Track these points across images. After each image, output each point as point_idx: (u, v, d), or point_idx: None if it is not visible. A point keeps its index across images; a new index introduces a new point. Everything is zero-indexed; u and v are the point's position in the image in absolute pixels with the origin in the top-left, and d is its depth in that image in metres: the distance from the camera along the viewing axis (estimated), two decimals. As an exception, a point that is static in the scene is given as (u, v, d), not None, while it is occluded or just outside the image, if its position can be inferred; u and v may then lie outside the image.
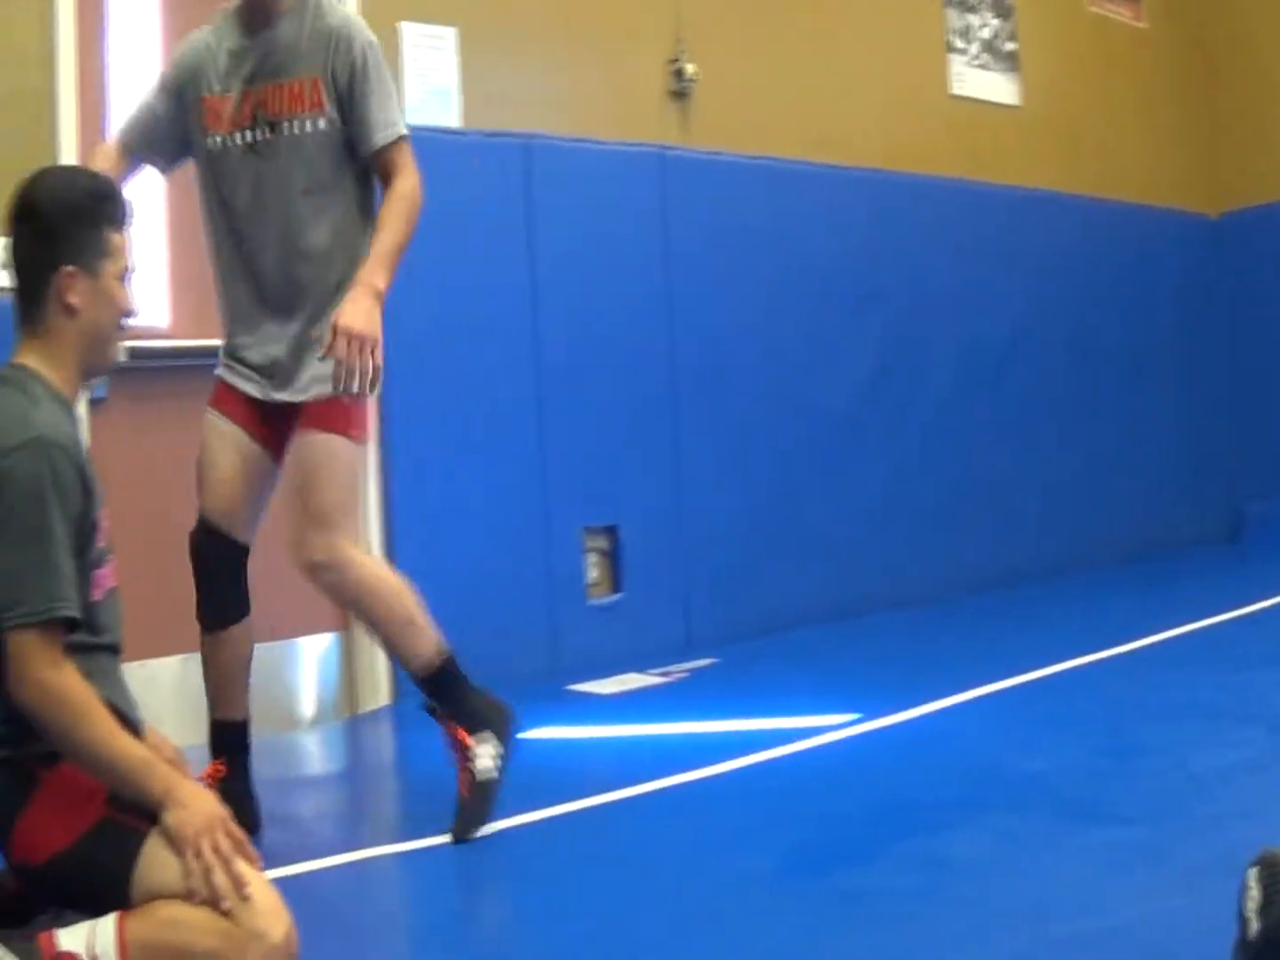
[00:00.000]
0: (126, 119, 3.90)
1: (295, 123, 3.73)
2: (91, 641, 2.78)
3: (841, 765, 4.43)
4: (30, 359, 2.87)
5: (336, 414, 3.77)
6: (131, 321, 3.03)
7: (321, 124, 3.73)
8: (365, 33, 3.79)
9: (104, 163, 3.72)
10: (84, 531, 2.78)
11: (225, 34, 3.80)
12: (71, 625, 2.68)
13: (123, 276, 2.96)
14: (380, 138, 3.76)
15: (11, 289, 2.89)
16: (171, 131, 3.86)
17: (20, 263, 2.89)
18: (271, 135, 3.74)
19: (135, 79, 5.00)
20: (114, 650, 2.95)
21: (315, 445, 3.80)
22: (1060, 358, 8.19)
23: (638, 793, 4.20)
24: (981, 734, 4.72)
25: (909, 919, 3.09)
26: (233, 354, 3.96)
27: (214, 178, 3.85)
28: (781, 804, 4.04)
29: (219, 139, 3.78)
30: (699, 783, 4.29)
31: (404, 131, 3.83)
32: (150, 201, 5.07)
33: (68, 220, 2.89)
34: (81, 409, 3.87)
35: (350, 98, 3.73)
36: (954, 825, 3.75)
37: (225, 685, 4.12)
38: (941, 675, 5.49)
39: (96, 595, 2.83)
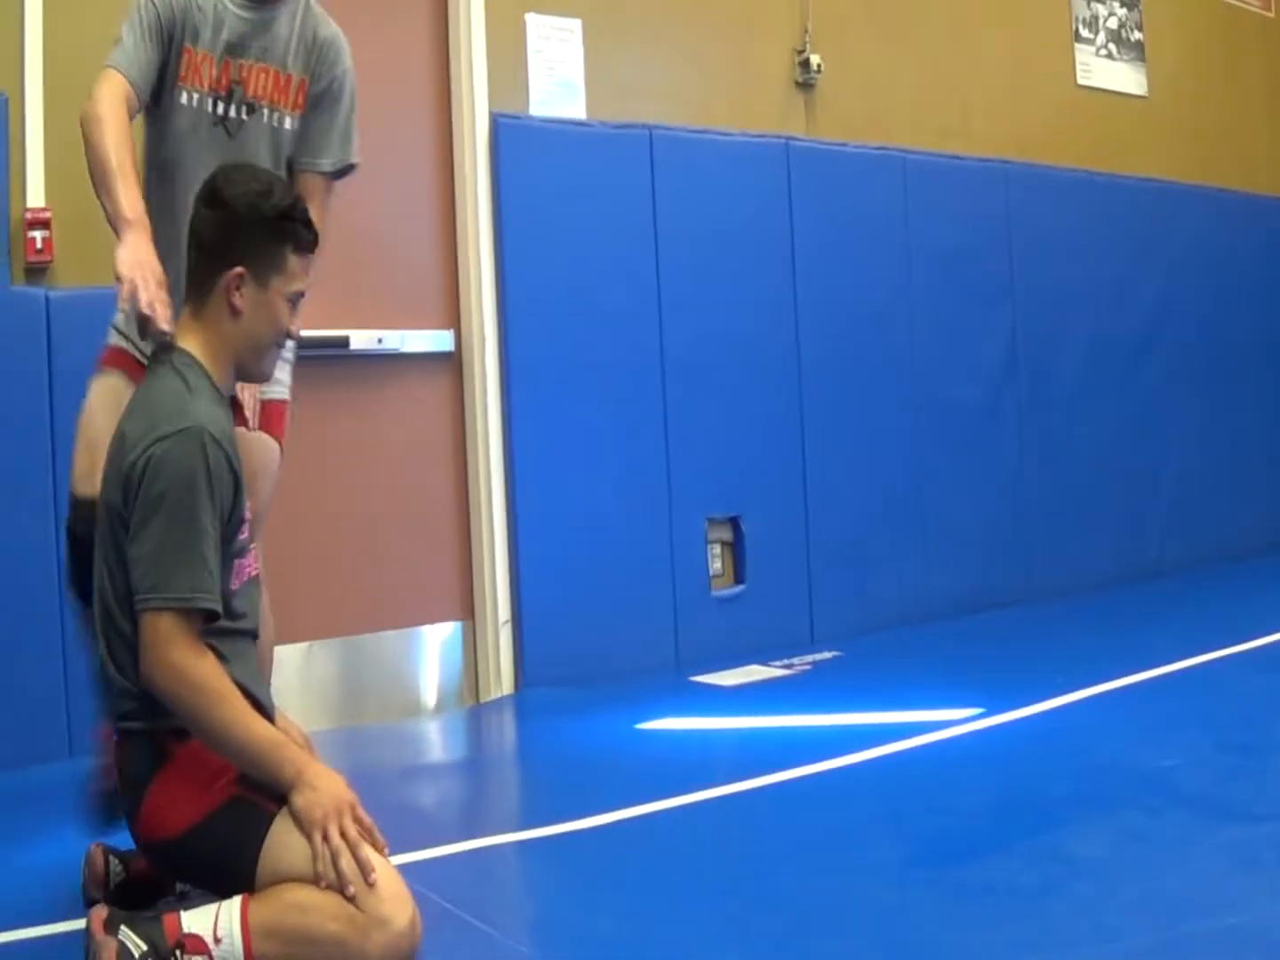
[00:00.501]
0: (125, 57, 3.39)
1: (275, 114, 3.59)
2: (229, 626, 2.82)
3: (966, 760, 4.38)
4: (192, 344, 2.93)
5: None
6: (285, 340, 3.09)
7: (291, 125, 3.62)
8: (350, 56, 3.73)
9: (117, 108, 3.32)
10: (230, 523, 2.82)
11: None
12: (209, 616, 2.71)
13: (290, 298, 3.00)
14: (333, 161, 3.70)
15: (189, 262, 3.01)
16: (153, 78, 3.47)
17: (200, 243, 2.97)
18: (248, 118, 3.54)
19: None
20: (251, 635, 2.99)
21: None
22: (1192, 350, 8.07)
23: (760, 785, 4.17)
24: (1109, 729, 4.66)
25: (1033, 915, 3.05)
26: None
27: (169, 133, 3.55)
28: (905, 798, 4.00)
29: (194, 96, 3.50)
30: (822, 775, 4.26)
31: (356, 162, 3.77)
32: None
33: (253, 225, 2.95)
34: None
35: (317, 109, 3.64)
36: (1079, 821, 3.71)
37: None
38: (1068, 670, 5.42)
39: (236, 583, 2.87)
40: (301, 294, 3.04)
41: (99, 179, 3.18)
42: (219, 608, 2.72)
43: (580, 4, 5.85)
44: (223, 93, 3.52)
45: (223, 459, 2.79)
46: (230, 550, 2.84)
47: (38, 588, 4.28)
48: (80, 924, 2.89)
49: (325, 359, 5.19)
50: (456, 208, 5.56)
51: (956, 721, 4.78)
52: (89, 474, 3.17)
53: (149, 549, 2.70)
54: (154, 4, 3.43)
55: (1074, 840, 3.55)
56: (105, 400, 3.33)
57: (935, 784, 4.13)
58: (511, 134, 5.55)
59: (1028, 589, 7.02)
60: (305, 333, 4.94)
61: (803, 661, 5.90)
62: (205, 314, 2.97)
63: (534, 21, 5.72)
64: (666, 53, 6.12)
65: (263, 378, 3.14)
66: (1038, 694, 5.05)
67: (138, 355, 3.34)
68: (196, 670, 2.66)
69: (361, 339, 5.25)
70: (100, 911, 2.69)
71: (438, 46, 5.58)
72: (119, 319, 3.43)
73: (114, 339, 3.47)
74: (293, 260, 2.98)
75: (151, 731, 2.78)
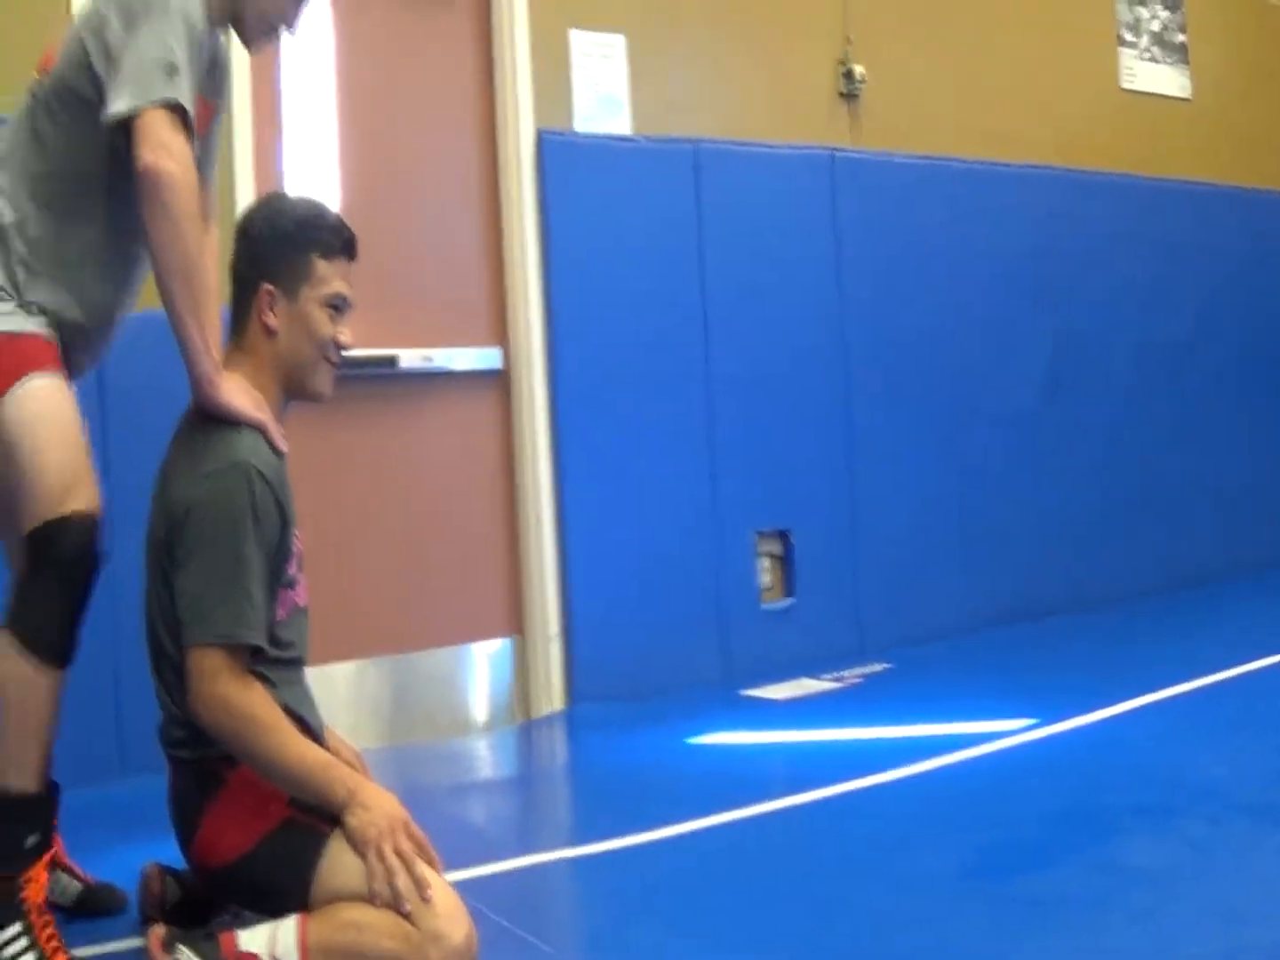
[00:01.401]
0: (187, 96, 2.93)
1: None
2: (276, 655, 2.82)
3: (1019, 770, 4.36)
4: (237, 374, 2.93)
5: None
6: (337, 355, 3.06)
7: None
8: None
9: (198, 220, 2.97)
10: (277, 557, 2.84)
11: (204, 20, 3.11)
12: (254, 651, 2.72)
13: (327, 304, 2.99)
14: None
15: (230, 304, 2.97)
16: None
17: (234, 278, 2.97)
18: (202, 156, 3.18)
19: (308, 111, 5.10)
20: (299, 662, 3.00)
21: None
22: (1239, 356, 8.02)
23: (812, 799, 4.16)
24: (1163, 738, 4.64)
25: (1090, 926, 3.04)
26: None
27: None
28: (958, 809, 3.99)
29: (196, 145, 3.06)
30: (875, 788, 4.25)
31: None
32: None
33: (274, 241, 2.96)
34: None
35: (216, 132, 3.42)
36: (1135, 830, 3.70)
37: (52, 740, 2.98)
38: (1120, 679, 5.40)
39: (282, 614, 2.88)
40: (342, 297, 3.02)
41: (192, 305, 2.88)
42: (264, 643, 2.74)
43: (623, 19, 5.86)
44: (200, 137, 3.15)
45: (269, 495, 2.80)
46: (277, 583, 2.85)
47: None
48: (137, 943, 2.92)
49: (374, 378, 5.21)
50: (503, 225, 5.58)
51: (1009, 732, 4.76)
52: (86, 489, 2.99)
53: (195, 584, 2.72)
54: (198, 21, 3.03)
55: (1130, 850, 3.54)
56: (75, 408, 3.04)
57: (989, 796, 4.11)
58: (556, 150, 5.56)
59: (1077, 597, 6.98)
60: (354, 352, 4.98)
61: (853, 674, 5.88)
62: (245, 342, 2.98)
63: (577, 38, 5.73)
64: (710, 66, 6.13)
65: (317, 396, 3.09)
66: (1090, 703, 5.03)
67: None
68: (243, 701, 2.68)
69: (410, 358, 5.27)
70: (158, 931, 2.70)
71: (482, 64, 5.59)
72: (36, 297, 3.01)
73: (38, 328, 3.02)
74: (321, 265, 2.98)
75: (202, 759, 2.80)
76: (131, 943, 3.08)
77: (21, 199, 3.02)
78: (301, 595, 3.02)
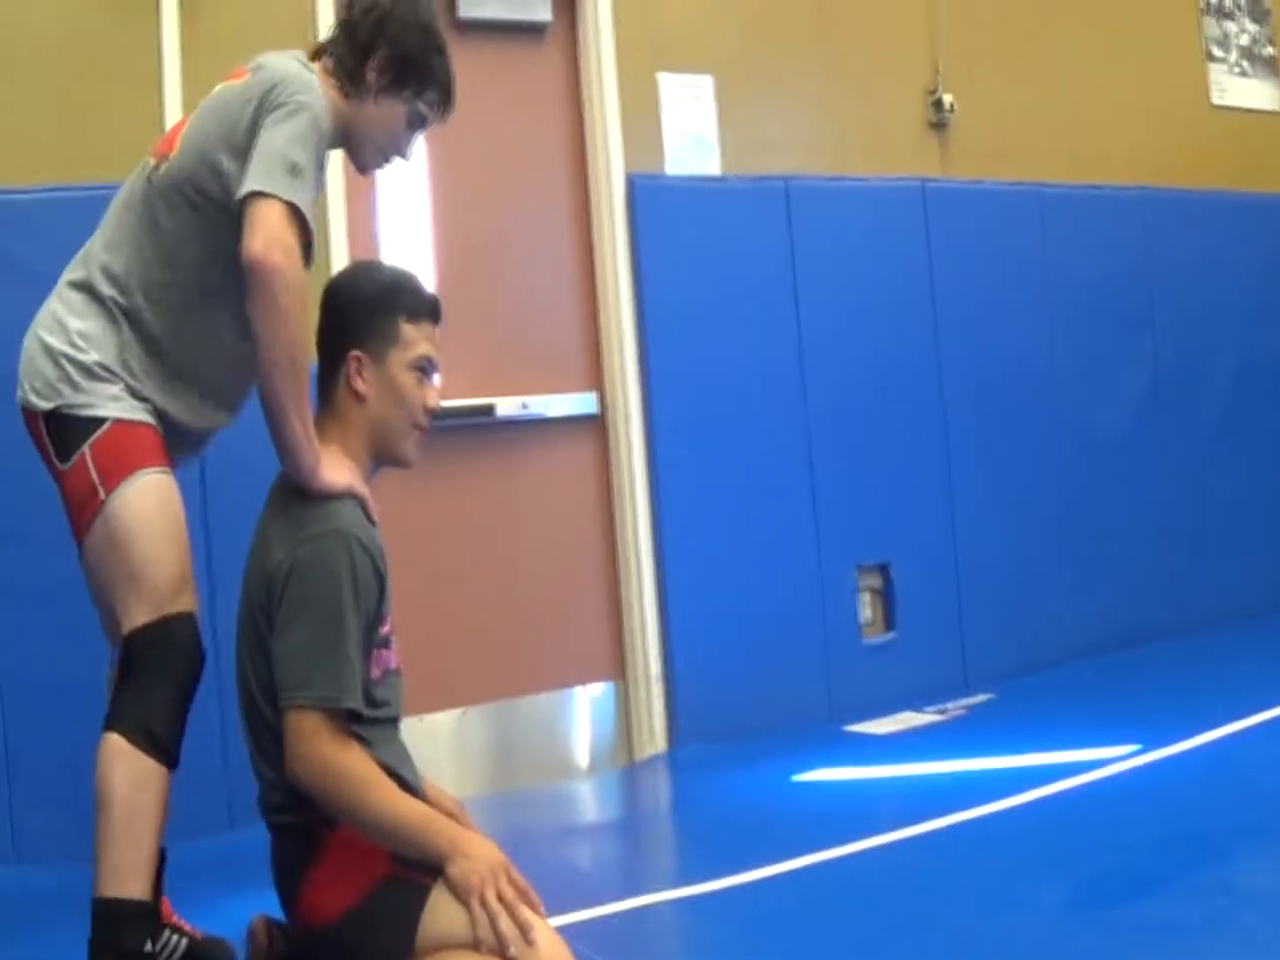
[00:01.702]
0: (308, 200, 3.02)
1: None
2: (372, 715, 2.85)
3: (1127, 797, 4.35)
4: (328, 442, 2.96)
5: None
6: (426, 419, 3.08)
7: None
8: None
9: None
10: (373, 622, 2.87)
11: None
12: (352, 715, 2.75)
13: (415, 366, 3.02)
14: None
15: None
16: None
17: (320, 346, 3.00)
18: None
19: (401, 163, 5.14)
20: (394, 721, 3.03)
21: None
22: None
23: (920, 832, 4.16)
24: (1271, 759, 4.60)
25: (1201, 951, 3.04)
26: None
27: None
28: (1067, 837, 3.99)
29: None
30: (983, 819, 4.25)
31: None
32: (416, 264, 5.21)
33: (359, 307, 2.99)
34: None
35: None
36: (1244, 854, 3.68)
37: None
38: (1226, 701, 5.35)
39: (377, 674, 2.90)
40: (429, 359, 3.03)
41: (296, 400, 2.89)
42: (361, 707, 2.77)
43: (711, 60, 5.90)
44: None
45: (368, 561, 2.83)
46: (372, 642, 2.88)
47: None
48: (245, 995, 2.95)
49: (472, 427, 5.26)
50: (596, 270, 5.62)
51: (1116, 759, 4.74)
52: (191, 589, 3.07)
53: (294, 647, 2.75)
54: (326, 129, 3.09)
55: (1240, 873, 3.53)
56: (181, 506, 3.09)
57: (1097, 823, 4.11)
58: (648, 194, 5.61)
59: (1181, 620, 6.89)
60: (452, 402, 5.06)
61: (957, 706, 5.86)
62: (334, 410, 3.01)
63: (666, 80, 5.77)
64: (798, 103, 6.15)
65: (406, 463, 3.10)
66: (1196, 727, 5.00)
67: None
68: (341, 762, 2.70)
69: (507, 406, 5.32)
70: (264, 982, 2.74)
71: (571, 110, 5.65)
72: (119, 387, 3.04)
73: (148, 417, 3.07)
74: (407, 329, 2.99)
75: (301, 823, 2.83)
76: (240, 996, 3.13)
77: (134, 290, 3.08)
78: (395, 657, 3.05)
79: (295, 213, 2.92)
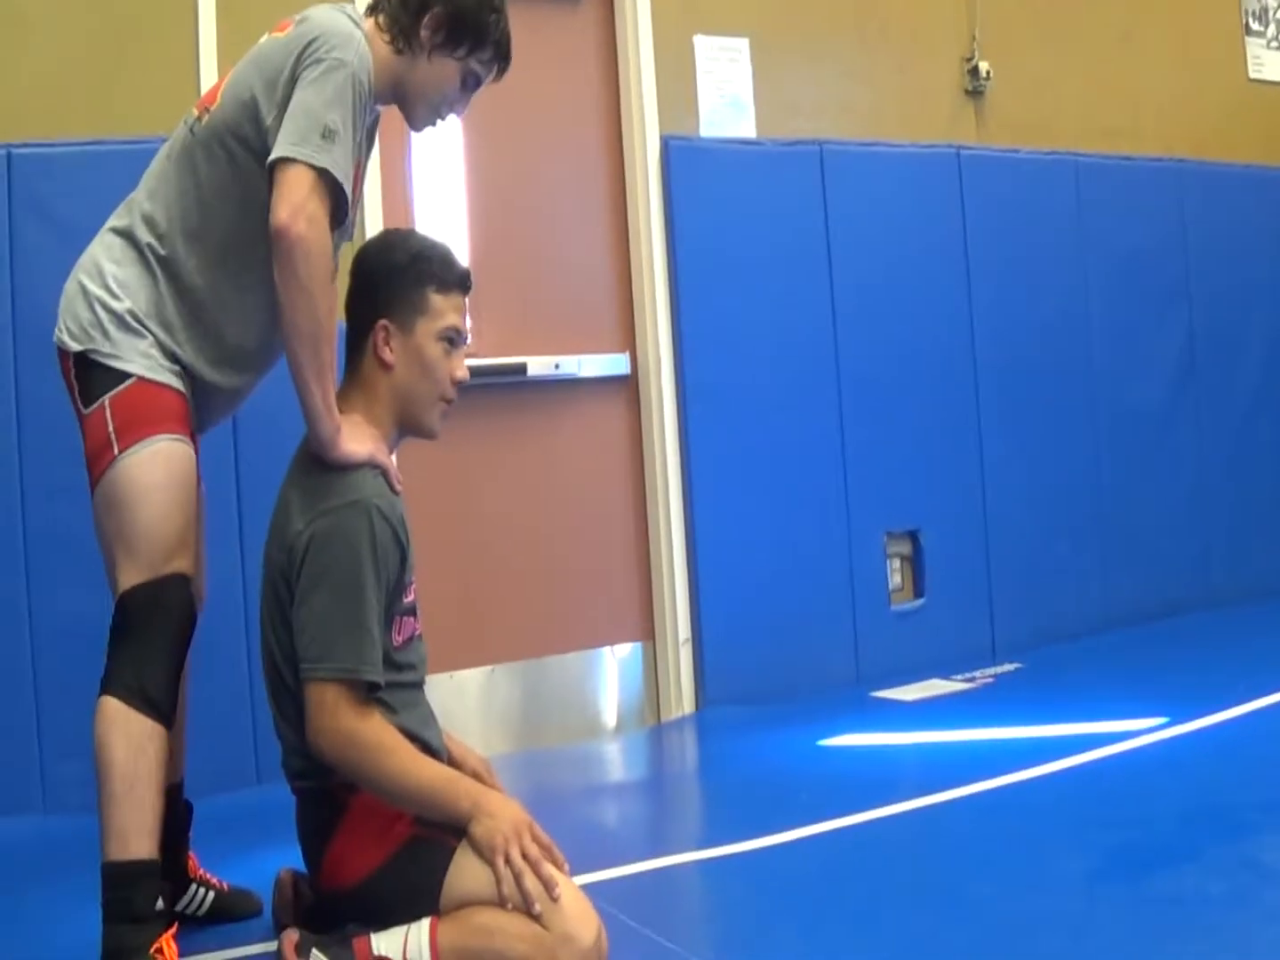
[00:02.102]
0: (341, 167, 2.95)
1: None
2: (394, 679, 2.86)
3: (1152, 770, 4.32)
4: (353, 413, 2.97)
5: None
6: (453, 390, 3.08)
7: None
8: None
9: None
10: (395, 591, 2.88)
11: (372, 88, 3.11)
12: (371, 686, 2.76)
13: (442, 337, 3.02)
14: None
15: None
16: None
17: (349, 315, 3.00)
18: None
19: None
20: (418, 685, 3.04)
21: None
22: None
23: (945, 799, 4.15)
24: (1298, 736, 4.59)
25: (1224, 925, 3.01)
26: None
27: None
28: (1091, 809, 3.97)
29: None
30: (1007, 789, 4.23)
31: None
32: (451, 223, 5.21)
33: (387, 276, 2.99)
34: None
35: None
36: (1270, 829, 3.66)
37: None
38: (1254, 676, 5.31)
39: (398, 640, 2.91)
40: (457, 330, 3.05)
41: (317, 369, 2.89)
42: (380, 679, 2.77)
43: (747, 23, 5.87)
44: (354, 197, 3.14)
45: (389, 531, 2.84)
46: (393, 611, 2.89)
47: (224, 619, 4.30)
48: (271, 948, 2.97)
49: (503, 385, 5.26)
50: (630, 231, 5.62)
51: (1142, 731, 4.72)
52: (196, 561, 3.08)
53: (315, 619, 2.76)
54: (367, 88, 3.03)
55: (1265, 848, 3.50)
56: (194, 475, 3.07)
57: (1122, 795, 4.08)
58: (683, 156, 5.59)
59: (1210, 595, 6.88)
60: (484, 361, 5.07)
61: (984, 674, 5.86)
62: (360, 378, 3.02)
63: (702, 43, 5.75)
64: (834, 67, 6.12)
65: (430, 434, 3.13)
66: (1224, 701, 4.97)
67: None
68: (362, 731, 2.72)
69: (538, 365, 5.32)
70: (292, 935, 2.75)
71: (607, 71, 5.63)
72: (148, 342, 3.02)
73: (174, 380, 3.04)
74: (436, 299, 3.00)
75: (324, 787, 2.85)
76: (266, 947, 3.14)
77: (172, 239, 3.06)
78: (418, 624, 3.06)
79: (325, 178, 2.89)
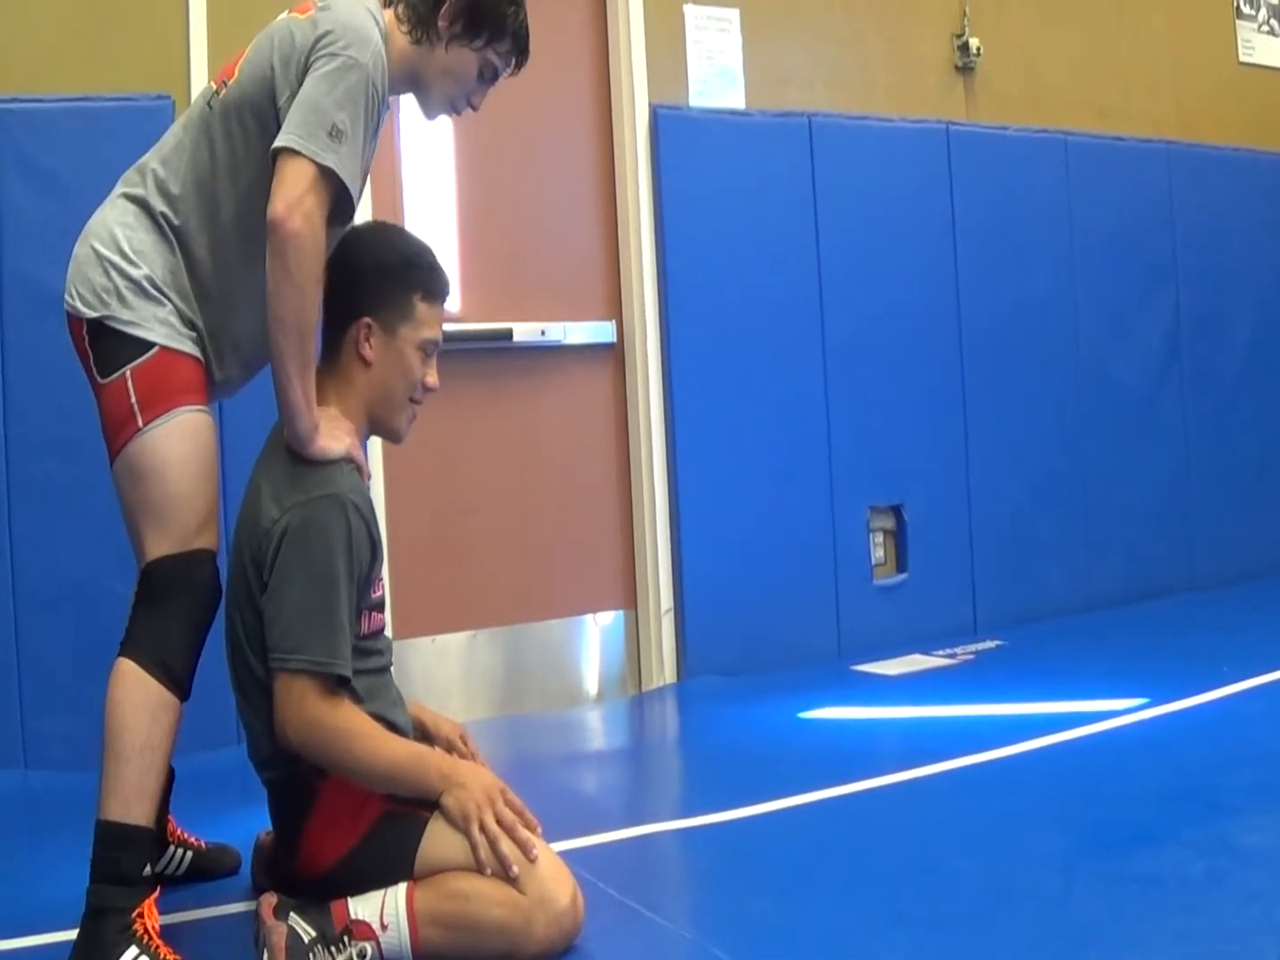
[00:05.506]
0: (351, 181, 2.94)
1: None
2: (360, 667, 2.85)
3: (1132, 749, 4.32)
4: (328, 404, 2.96)
5: None
6: (423, 397, 3.08)
7: None
8: None
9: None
10: (364, 585, 2.88)
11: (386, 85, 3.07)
12: (342, 680, 2.76)
13: (421, 346, 3.02)
14: None
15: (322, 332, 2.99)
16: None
17: (330, 305, 2.98)
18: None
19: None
20: (385, 669, 3.05)
21: None
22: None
23: (923, 774, 4.15)
24: (1277, 718, 4.59)
25: (1202, 906, 3.00)
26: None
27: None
28: (1070, 787, 3.96)
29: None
30: (986, 765, 4.23)
31: None
32: (439, 187, 5.20)
33: (378, 275, 2.98)
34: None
35: None
36: (1249, 811, 3.65)
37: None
38: (1235, 659, 5.32)
39: (364, 629, 2.91)
40: (435, 343, 3.06)
41: (300, 365, 2.85)
42: (350, 673, 2.77)
43: (738, -7, 5.87)
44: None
45: (363, 526, 2.84)
46: (362, 606, 2.89)
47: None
48: (249, 907, 2.96)
49: (489, 351, 5.25)
50: (617, 200, 5.61)
51: (1122, 711, 4.72)
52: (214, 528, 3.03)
53: (288, 610, 2.76)
54: (381, 86, 3.00)
55: (1243, 830, 3.49)
56: (215, 446, 3.05)
57: (1102, 774, 4.08)
58: (671, 125, 5.57)
59: (1193, 576, 6.91)
60: (470, 326, 5.06)
61: (966, 650, 5.86)
62: (337, 370, 3.00)
63: (692, 12, 5.73)
64: (825, 40, 6.11)
65: (395, 436, 3.14)
66: (1204, 683, 4.98)
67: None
68: (331, 719, 2.73)
69: (524, 331, 5.31)
70: (270, 898, 2.75)
71: (597, 40, 5.62)
72: (168, 310, 2.98)
73: (194, 349, 3.02)
74: (421, 308, 3.00)
75: (293, 775, 2.84)
76: (243, 907, 3.15)
77: (184, 211, 3.02)
78: (382, 619, 3.07)
79: (328, 176, 2.86)
